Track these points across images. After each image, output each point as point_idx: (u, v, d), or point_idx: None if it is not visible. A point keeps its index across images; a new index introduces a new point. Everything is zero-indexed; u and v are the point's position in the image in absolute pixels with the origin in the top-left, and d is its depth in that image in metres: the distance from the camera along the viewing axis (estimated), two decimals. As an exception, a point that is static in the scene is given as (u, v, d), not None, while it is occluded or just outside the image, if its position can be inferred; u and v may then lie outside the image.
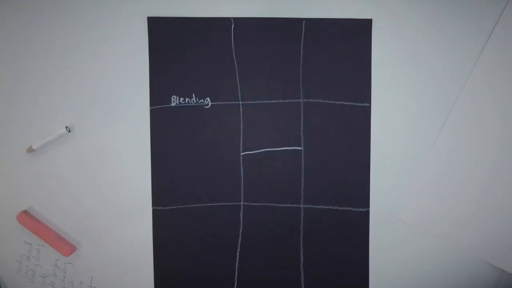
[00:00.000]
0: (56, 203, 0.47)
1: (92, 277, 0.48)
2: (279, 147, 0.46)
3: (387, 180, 0.46)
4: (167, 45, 0.45)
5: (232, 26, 0.45)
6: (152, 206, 0.46)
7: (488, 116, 0.44)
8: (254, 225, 0.46)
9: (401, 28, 0.45)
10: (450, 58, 0.45)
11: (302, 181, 0.46)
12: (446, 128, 0.45)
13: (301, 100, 0.46)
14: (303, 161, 0.46)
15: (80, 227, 0.47)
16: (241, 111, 0.46)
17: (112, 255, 0.47)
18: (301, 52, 0.45)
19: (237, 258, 0.47)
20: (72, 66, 0.46)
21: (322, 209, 0.46)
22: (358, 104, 0.46)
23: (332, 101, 0.46)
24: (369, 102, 0.45)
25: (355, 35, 0.45)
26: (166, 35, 0.45)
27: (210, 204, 0.46)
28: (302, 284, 0.47)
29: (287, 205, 0.46)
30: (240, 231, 0.47)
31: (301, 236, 0.46)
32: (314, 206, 0.46)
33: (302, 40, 0.45)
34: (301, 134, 0.46)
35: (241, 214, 0.46)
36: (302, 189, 0.46)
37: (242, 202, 0.46)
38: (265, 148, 0.46)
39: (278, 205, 0.46)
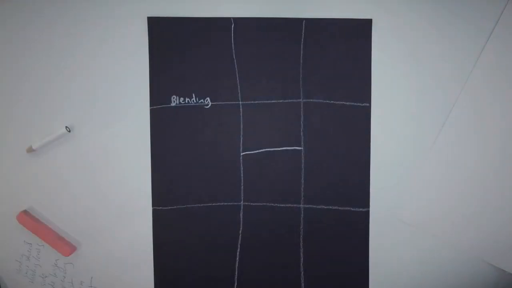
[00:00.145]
0: (56, 203, 0.47)
1: (92, 277, 0.48)
2: (279, 147, 0.46)
3: (387, 180, 0.46)
4: (167, 45, 0.45)
5: (232, 26, 0.45)
6: (152, 206, 0.46)
7: (488, 116, 0.44)
8: (254, 225, 0.46)
9: (401, 28, 0.45)
10: (450, 58, 0.45)
11: (302, 181, 0.46)
12: (446, 128, 0.45)
13: (301, 100, 0.46)
14: (303, 161, 0.46)
15: (80, 227, 0.47)
16: (241, 111, 0.46)
17: (112, 255, 0.47)
18: (301, 52, 0.45)
19: (237, 258, 0.47)
20: (72, 66, 0.46)
21: (322, 209, 0.46)
22: (358, 104, 0.46)
23: (332, 101, 0.46)
24: (369, 102, 0.45)
25: (355, 35, 0.45)
26: (166, 35, 0.45)
27: (210, 204, 0.46)
28: (302, 284, 0.47)
29: (287, 205, 0.46)
30: (240, 231, 0.47)
31: (301, 236, 0.46)
32: (314, 206, 0.46)
33: (302, 40, 0.45)
34: (301, 134, 0.46)
35: (241, 214, 0.46)
36: (302, 189, 0.46)
37: (242, 202, 0.46)
38: (265, 148, 0.46)
39: (278, 205, 0.46)
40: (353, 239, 0.46)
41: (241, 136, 0.46)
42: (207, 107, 0.46)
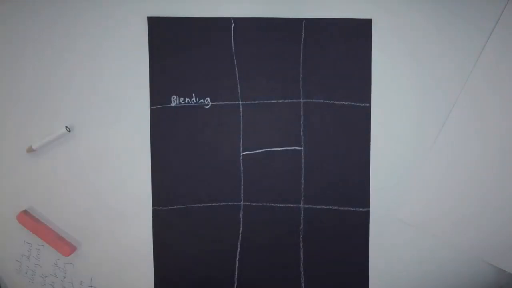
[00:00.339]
0: (56, 203, 0.47)
1: (92, 277, 0.48)
2: (279, 147, 0.46)
3: (387, 180, 0.46)
4: (167, 45, 0.45)
5: (232, 26, 0.45)
6: (152, 206, 0.46)
7: (488, 116, 0.44)
8: (254, 225, 0.46)
9: (401, 28, 0.45)
10: (450, 58, 0.45)
11: (302, 181, 0.46)
12: (446, 128, 0.45)
13: (301, 100, 0.46)
14: (303, 161, 0.46)
15: (80, 227, 0.47)
16: (241, 111, 0.46)
17: (112, 255, 0.47)
18: (301, 52, 0.45)
19: (237, 258, 0.47)
20: (72, 66, 0.46)
21: (322, 209, 0.46)
22: (358, 104, 0.46)
23: (332, 101, 0.46)
24: (369, 102, 0.45)
25: (355, 35, 0.45)
26: (166, 35, 0.45)
27: (210, 204, 0.46)
28: (302, 284, 0.47)
29: (287, 205, 0.46)
30: (240, 231, 0.47)
31: (301, 236, 0.46)
32: (314, 206, 0.46)
33: (302, 40, 0.45)
34: (301, 134, 0.46)
35: (241, 214, 0.46)
36: (302, 189, 0.46)
37: (242, 202, 0.46)
38: (265, 148, 0.46)
39: (278, 205, 0.46)
40: (353, 239, 0.46)
41: (241, 136, 0.46)
42: (207, 107, 0.46)
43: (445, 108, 0.45)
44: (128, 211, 0.47)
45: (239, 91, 0.46)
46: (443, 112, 0.45)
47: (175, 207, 0.46)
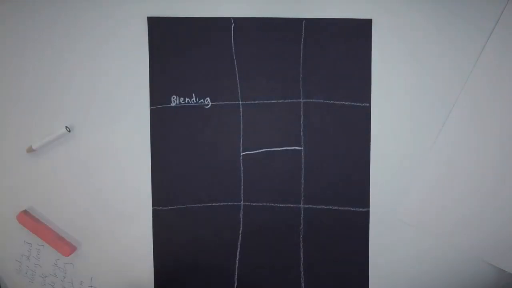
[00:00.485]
0: (56, 203, 0.47)
1: (92, 277, 0.48)
2: (279, 147, 0.46)
3: (387, 180, 0.46)
4: (167, 45, 0.45)
5: (232, 26, 0.45)
6: (152, 206, 0.46)
7: (488, 116, 0.44)
8: (254, 225, 0.46)
9: (401, 28, 0.45)
10: (450, 58, 0.45)
11: (302, 181, 0.46)
12: (446, 128, 0.45)
13: (301, 100, 0.46)
14: (303, 161, 0.46)
15: (80, 227, 0.47)
16: (241, 111, 0.46)
17: (112, 255, 0.47)
18: (301, 52, 0.45)
19: (237, 258, 0.47)
20: (72, 66, 0.46)
21: (322, 209, 0.46)
22: (358, 104, 0.46)
23: (332, 101, 0.46)
24: (369, 102, 0.45)
25: (355, 35, 0.45)
26: (166, 35, 0.45)
27: (210, 204, 0.46)
28: (302, 284, 0.47)
29: (287, 205, 0.46)
30: (240, 231, 0.47)
31: (301, 236, 0.46)
32: (314, 206, 0.46)
33: (302, 40, 0.45)
34: (301, 134, 0.46)
35: (241, 214, 0.46)
36: (302, 189, 0.46)
37: (242, 202, 0.46)
38: (265, 148, 0.46)
39: (278, 205, 0.46)
40: (353, 239, 0.46)
41: (241, 136, 0.46)
42: (207, 107, 0.46)
43: (445, 108, 0.45)
44: (128, 211, 0.47)
45: (239, 91, 0.46)
46: (443, 112, 0.45)
47: (175, 207, 0.46)
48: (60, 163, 0.46)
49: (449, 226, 0.45)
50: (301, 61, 0.45)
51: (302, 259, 0.46)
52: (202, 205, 0.46)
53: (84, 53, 0.45)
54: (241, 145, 0.46)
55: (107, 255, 0.47)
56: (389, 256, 0.46)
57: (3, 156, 0.46)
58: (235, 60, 0.46)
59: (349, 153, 0.46)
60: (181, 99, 0.46)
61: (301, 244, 0.46)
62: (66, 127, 0.45)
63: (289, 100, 0.46)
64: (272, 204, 0.46)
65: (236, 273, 0.47)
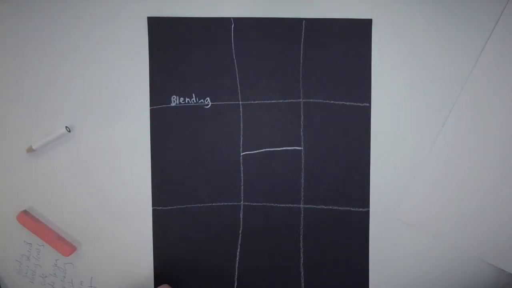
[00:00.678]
0: (56, 203, 0.47)
1: (92, 277, 0.48)
2: (279, 147, 0.46)
3: (387, 180, 0.46)
4: (167, 45, 0.45)
5: (232, 26, 0.45)
6: (152, 206, 0.46)
7: (488, 116, 0.44)
8: (254, 225, 0.46)
9: (401, 28, 0.45)
10: (450, 58, 0.45)
11: (302, 181, 0.46)
12: (446, 128, 0.45)
13: (301, 100, 0.46)
14: (303, 161, 0.46)
15: (80, 227, 0.47)
16: (241, 111, 0.46)
17: (112, 255, 0.47)
18: (301, 52, 0.45)
19: (237, 258, 0.47)
20: (72, 66, 0.46)
21: (322, 209, 0.46)
22: (358, 104, 0.46)
23: (332, 101, 0.46)
24: (369, 102, 0.45)
25: (355, 35, 0.45)
26: (166, 35, 0.45)
27: (210, 204, 0.46)
28: (302, 284, 0.47)
29: (287, 205, 0.46)
30: (240, 231, 0.47)
31: (301, 236, 0.46)
32: (314, 206, 0.46)
33: (302, 40, 0.45)
34: (301, 134, 0.46)
35: (241, 214, 0.46)
36: (302, 189, 0.46)
37: (242, 202, 0.46)
38: (265, 148, 0.46)
39: (278, 205, 0.46)
40: (353, 239, 0.46)
41: (241, 136, 0.46)
42: (207, 107, 0.46)
43: (445, 108, 0.45)
44: (128, 211, 0.47)
45: (239, 91, 0.46)
46: (443, 112, 0.45)
47: (175, 207, 0.46)
48: (60, 163, 0.46)
49: (449, 226, 0.45)
50: (301, 61, 0.45)
51: (302, 259, 0.46)
52: (202, 205, 0.46)
53: (84, 53, 0.45)
54: (241, 145, 0.46)
55: (107, 255, 0.47)
56: (389, 256, 0.46)
57: (3, 156, 0.46)
58: (235, 60, 0.46)
59: (349, 153, 0.46)
60: (181, 99, 0.46)
61: (301, 244, 0.46)
62: (66, 127, 0.45)
63: (289, 100, 0.46)
64: (272, 204, 0.46)
65: (236, 273, 0.47)
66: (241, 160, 0.46)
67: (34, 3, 0.45)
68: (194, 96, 0.46)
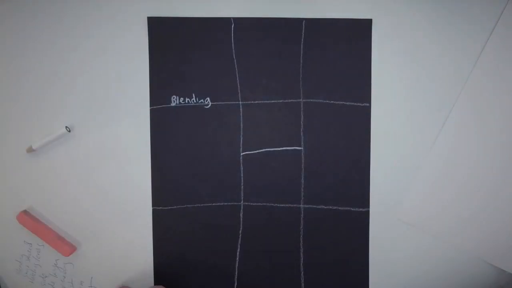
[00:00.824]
0: (56, 203, 0.47)
1: (92, 277, 0.48)
2: (279, 147, 0.46)
3: (387, 180, 0.46)
4: (167, 45, 0.45)
5: (232, 26, 0.45)
6: (152, 206, 0.46)
7: (488, 116, 0.44)
8: (254, 225, 0.46)
9: (401, 28, 0.45)
10: (450, 58, 0.45)
11: (302, 181, 0.46)
12: (446, 128, 0.45)
13: (301, 100, 0.46)
14: (303, 161, 0.46)
15: (80, 227, 0.47)
16: (241, 111, 0.46)
17: (112, 255, 0.47)
18: (301, 52, 0.45)
19: (237, 258, 0.47)
20: (72, 66, 0.46)
21: (322, 209, 0.46)
22: (358, 104, 0.46)
23: (332, 101, 0.46)
24: (369, 102, 0.45)
25: (355, 35, 0.45)
26: (166, 35, 0.45)
27: (210, 204, 0.46)
28: (302, 284, 0.47)
29: (287, 205, 0.46)
30: (240, 231, 0.47)
31: (301, 236, 0.46)
32: (314, 206, 0.46)
33: (302, 40, 0.45)
34: (301, 134, 0.46)
35: (241, 214, 0.46)
36: (302, 189, 0.46)
37: (242, 202, 0.46)
38: (265, 148, 0.46)
39: (278, 205, 0.46)
40: (353, 239, 0.46)
41: (241, 136, 0.46)
42: (207, 107, 0.46)
43: (445, 108, 0.45)
44: (128, 211, 0.47)
45: (239, 91, 0.46)
46: (443, 112, 0.45)
47: (175, 207, 0.46)
48: (60, 163, 0.46)
49: (449, 226, 0.45)
50: (301, 61, 0.45)
51: (302, 259, 0.46)
52: (202, 205, 0.46)
53: (84, 53, 0.45)
54: (241, 145, 0.46)
55: (107, 255, 0.47)
56: (389, 255, 0.46)
57: (3, 156, 0.46)
58: (235, 60, 0.46)
59: (349, 153, 0.46)
60: (181, 99, 0.46)
61: (301, 244, 0.46)
62: (66, 127, 0.45)
63: (289, 100, 0.46)
64: (272, 204, 0.46)
65: (236, 273, 0.47)
66: (241, 160, 0.46)
67: (34, 3, 0.45)
68: (194, 96, 0.46)
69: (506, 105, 0.44)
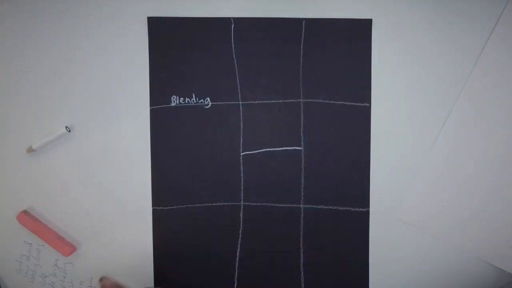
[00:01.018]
0: (56, 203, 0.47)
1: (92, 277, 0.48)
2: (279, 147, 0.46)
3: (387, 180, 0.46)
4: (167, 45, 0.45)
5: (232, 26, 0.45)
6: (152, 206, 0.46)
7: (488, 116, 0.44)
8: (254, 225, 0.46)
9: (401, 28, 0.45)
10: (450, 58, 0.45)
11: (302, 181, 0.46)
12: (446, 128, 0.45)
13: (301, 100, 0.46)
14: (303, 161, 0.46)
15: (80, 227, 0.47)
16: (241, 111, 0.46)
17: (112, 255, 0.47)
18: (301, 52, 0.45)
19: (237, 258, 0.47)
20: (72, 66, 0.46)
21: (322, 209, 0.46)
22: (358, 104, 0.46)
23: (332, 101, 0.46)
24: (369, 102, 0.45)
25: (355, 35, 0.45)
26: (166, 35, 0.45)
27: (210, 204, 0.46)
28: (302, 284, 0.47)
29: (287, 205, 0.46)
30: (240, 231, 0.47)
31: (301, 236, 0.46)
32: (314, 206, 0.46)
33: (302, 40, 0.45)
34: (301, 134, 0.46)
35: (241, 214, 0.46)
36: (302, 189, 0.46)
37: (242, 202, 0.46)
38: (265, 148, 0.46)
39: (278, 205, 0.46)
40: (353, 239, 0.46)
41: (241, 136, 0.46)
42: (207, 107, 0.46)
43: (445, 108, 0.45)
44: (128, 211, 0.47)
45: (239, 91, 0.46)
46: (443, 112, 0.45)
47: (175, 207, 0.46)
48: (60, 163, 0.46)
49: (449, 226, 0.45)
50: (301, 61, 0.45)
51: (302, 259, 0.46)
52: (202, 205, 0.46)
53: (84, 53, 0.45)
54: (241, 145, 0.46)
55: (107, 255, 0.47)
56: (389, 255, 0.46)
57: (3, 156, 0.46)
58: (235, 60, 0.46)
59: (349, 153, 0.46)
60: (181, 99, 0.46)
61: (301, 244, 0.46)
62: (66, 127, 0.45)
63: (289, 100, 0.46)
64: (272, 204, 0.46)
65: (236, 273, 0.47)
66: (241, 160, 0.46)
67: (34, 3, 0.45)
68: (194, 96, 0.46)
69: (506, 105, 0.44)
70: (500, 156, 0.44)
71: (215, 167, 0.46)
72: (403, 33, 0.45)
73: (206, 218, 0.46)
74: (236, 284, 0.47)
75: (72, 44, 0.45)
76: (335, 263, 0.46)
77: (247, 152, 0.46)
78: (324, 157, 0.46)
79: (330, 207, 0.46)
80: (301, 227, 0.46)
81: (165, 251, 0.47)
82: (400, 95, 0.45)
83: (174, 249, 0.47)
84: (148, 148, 0.46)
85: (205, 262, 0.47)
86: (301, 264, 0.47)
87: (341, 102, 0.46)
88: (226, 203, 0.46)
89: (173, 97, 0.46)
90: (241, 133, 0.46)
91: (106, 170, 0.46)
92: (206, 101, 0.46)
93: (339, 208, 0.46)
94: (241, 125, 0.46)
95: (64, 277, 0.48)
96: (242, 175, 0.46)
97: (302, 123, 0.46)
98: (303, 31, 0.45)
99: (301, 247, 0.46)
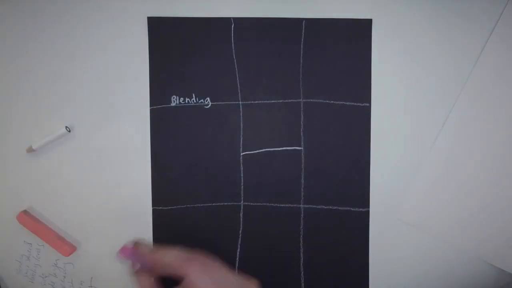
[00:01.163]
0: (56, 203, 0.47)
1: (92, 277, 0.48)
2: (279, 147, 0.46)
3: (387, 180, 0.46)
4: (167, 45, 0.45)
5: (232, 26, 0.45)
6: (152, 206, 0.46)
7: (489, 116, 0.44)
8: (254, 225, 0.46)
9: (401, 28, 0.45)
10: (450, 58, 0.45)
11: (302, 181, 0.46)
12: (446, 128, 0.45)
13: (301, 100, 0.46)
14: (303, 161, 0.46)
15: (80, 227, 0.47)
16: (241, 111, 0.46)
17: (112, 255, 0.47)
18: (301, 52, 0.45)
19: (237, 258, 0.47)
20: (72, 66, 0.46)
21: (322, 209, 0.46)
22: (358, 104, 0.46)
23: (332, 101, 0.46)
24: (369, 102, 0.45)
25: (355, 35, 0.45)
26: (166, 35, 0.45)
27: (210, 204, 0.46)
28: (302, 284, 0.47)
29: (287, 205, 0.46)
30: (240, 231, 0.47)
31: (301, 236, 0.46)
32: (314, 206, 0.46)
33: (302, 40, 0.45)
34: (301, 134, 0.46)
35: (241, 214, 0.46)
36: (302, 189, 0.46)
37: (242, 202, 0.46)
38: (265, 148, 0.46)
39: (278, 205, 0.46)
40: (353, 239, 0.46)
41: (241, 136, 0.46)
42: (207, 107, 0.46)
43: (445, 108, 0.45)
44: (128, 211, 0.47)
45: (239, 91, 0.46)
46: (443, 112, 0.45)
47: (175, 207, 0.46)
48: (60, 163, 0.46)
49: (449, 226, 0.45)
50: (301, 61, 0.45)
51: (302, 259, 0.46)
52: (202, 205, 0.46)
53: (84, 53, 0.45)
54: (241, 145, 0.46)
55: (107, 255, 0.47)
56: (389, 255, 0.46)
57: (3, 156, 0.46)
58: (235, 60, 0.46)
59: (349, 153, 0.46)
60: (181, 99, 0.46)
61: (301, 244, 0.46)
62: (66, 127, 0.45)
63: (289, 100, 0.46)
64: (272, 204, 0.46)
65: (236, 273, 0.47)
66: (241, 160, 0.46)
67: (34, 3, 0.45)
68: (194, 96, 0.46)
69: (506, 105, 0.44)
70: (500, 156, 0.44)
71: (215, 167, 0.46)
72: (403, 33, 0.45)
73: (206, 218, 0.46)
74: (236, 284, 0.47)
75: (72, 44, 0.45)
76: (335, 263, 0.46)
77: (247, 152, 0.46)
78: (324, 157, 0.46)
79: (330, 207, 0.46)
80: (301, 227, 0.46)
81: (165, 251, 0.47)
82: (400, 95, 0.45)
83: (174, 249, 0.47)
84: (148, 148, 0.46)
85: (205, 262, 0.47)
86: (301, 264, 0.47)
87: (341, 102, 0.46)
88: (226, 203, 0.46)
89: (173, 97, 0.46)
90: (241, 133, 0.46)
91: (106, 170, 0.46)
92: (206, 101, 0.46)
93: (339, 208, 0.46)
94: (241, 125, 0.46)
95: (64, 277, 0.48)
96: (242, 175, 0.46)
97: (302, 123, 0.46)
98: (303, 31, 0.45)
99: (301, 247, 0.46)
